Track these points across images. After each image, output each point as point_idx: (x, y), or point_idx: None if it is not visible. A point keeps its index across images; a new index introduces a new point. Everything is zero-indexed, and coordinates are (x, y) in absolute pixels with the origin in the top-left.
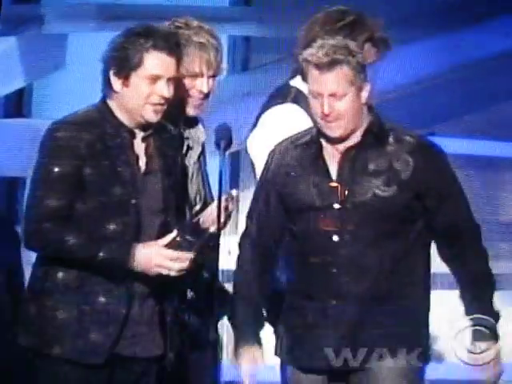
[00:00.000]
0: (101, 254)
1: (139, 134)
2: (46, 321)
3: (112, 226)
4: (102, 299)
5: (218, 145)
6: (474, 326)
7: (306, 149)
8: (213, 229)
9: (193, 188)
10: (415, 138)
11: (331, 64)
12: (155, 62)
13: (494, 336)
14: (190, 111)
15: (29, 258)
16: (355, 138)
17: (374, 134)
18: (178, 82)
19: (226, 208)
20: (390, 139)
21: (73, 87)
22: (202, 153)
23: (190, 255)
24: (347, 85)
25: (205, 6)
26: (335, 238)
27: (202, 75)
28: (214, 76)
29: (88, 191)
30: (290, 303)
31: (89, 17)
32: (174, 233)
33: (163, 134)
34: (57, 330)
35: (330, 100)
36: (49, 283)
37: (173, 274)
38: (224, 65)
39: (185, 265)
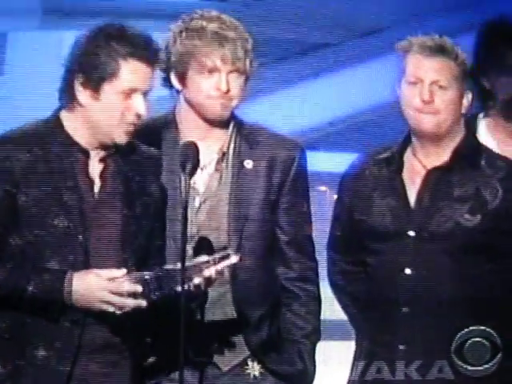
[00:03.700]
0: (30, 288)
1: (96, 155)
2: None
3: (53, 266)
4: (41, 353)
5: (182, 166)
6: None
7: (386, 166)
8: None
9: (198, 218)
10: (507, 163)
11: (438, 49)
12: (132, 72)
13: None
14: (214, 114)
15: None
16: (444, 156)
17: (465, 155)
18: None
19: (220, 272)
20: (482, 162)
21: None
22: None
23: (134, 291)
24: (451, 78)
25: (176, 0)
26: (407, 270)
27: (217, 70)
28: (235, 72)
29: (24, 222)
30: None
31: (33, 12)
32: (123, 271)
33: (128, 153)
34: None
35: (432, 88)
36: None
37: (126, 309)
38: (249, 61)
39: (140, 303)
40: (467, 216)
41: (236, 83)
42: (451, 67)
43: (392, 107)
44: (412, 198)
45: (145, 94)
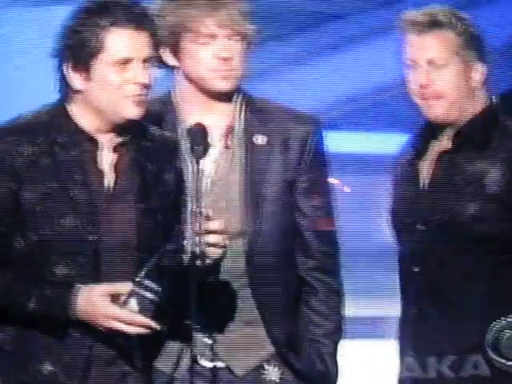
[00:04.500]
0: (31, 305)
1: (107, 143)
2: None
3: (60, 270)
4: (47, 368)
5: (192, 150)
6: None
7: (410, 152)
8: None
9: (207, 202)
10: None
11: (431, 24)
12: (120, 41)
13: None
14: (215, 85)
15: None
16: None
17: (470, 135)
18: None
19: (207, 231)
20: (494, 143)
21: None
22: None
23: (144, 321)
24: (449, 52)
25: None
26: (416, 268)
27: (214, 36)
28: (235, 37)
29: (28, 222)
30: None
31: None
32: (127, 286)
33: (142, 139)
34: None
35: (428, 69)
36: None
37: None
38: (248, 25)
39: (140, 330)
40: (467, 202)
41: (237, 49)
42: (449, 40)
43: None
44: (422, 185)
45: (144, 61)
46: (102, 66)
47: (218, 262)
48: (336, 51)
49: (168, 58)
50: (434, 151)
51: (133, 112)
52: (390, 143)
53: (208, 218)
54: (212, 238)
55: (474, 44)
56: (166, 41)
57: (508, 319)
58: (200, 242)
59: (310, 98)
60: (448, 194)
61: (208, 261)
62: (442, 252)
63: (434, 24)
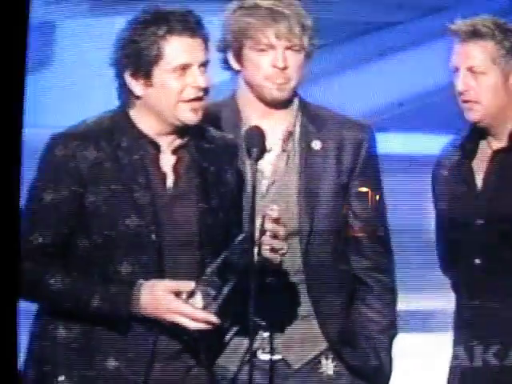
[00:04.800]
0: (95, 303)
1: (168, 147)
2: None
3: (125, 268)
4: (112, 363)
5: (248, 152)
6: None
7: (460, 152)
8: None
9: (265, 203)
10: None
11: (472, 34)
12: (177, 49)
13: None
14: (272, 94)
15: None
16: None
17: None
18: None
19: (274, 235)
20: None
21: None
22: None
23: (206, 316)
24: (488, 61)
25: None
26: (477, 260)
27: (272, 47)
28: (292, 49)
29: (92, 224)
30: None
31: None
32: (191, 284)
33: (202, 141)
34: None
35: (466, 75)
36: (46, 343)
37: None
38: (307, 38)
39: (202, 326)
40: None
41: (293, 60)
42: (489, 50)
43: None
44: (479, 184)
45: (201, 66)
46: (161, 72)
47: (278, 265)
48: (384, 57)
49: (232, 61)
50: (486, 151)
51: (189, 117)
52: (437, 144)
53: (277, 221)
54: (277, 243)
55: None
56: (231, 46)
57: None
58: (263, 245)
59: (360, 102)
60: (507, 190)
61: (269, 264)
62: (502, 245)
63: (474, 34)
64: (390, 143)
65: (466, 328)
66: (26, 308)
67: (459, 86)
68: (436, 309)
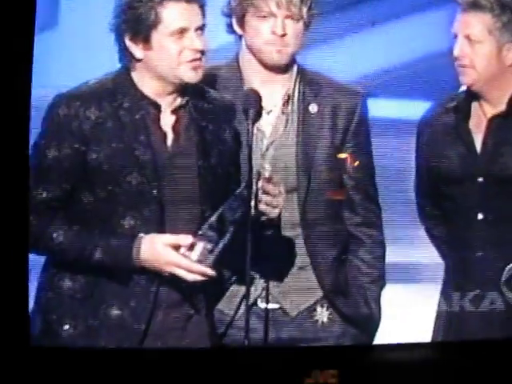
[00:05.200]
0: (97, 254)
1: (168, 107)
2: (51, 337)
3: (127, 222)
4: (115, 312)
5: (245, 113)
6: None
7: (454, 114)
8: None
9: (265, 160)
10: None
11: (473, 5)
12: (175, 13)
13: None
14: (270, 58)
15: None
16: (503, 104)
17: None
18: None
19: (265, 191)
20: None
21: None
22: (302, 116)
23: (202, 269)
24: (485, 32)
25: None
26: (480, 215)
27: (273, 15)
28: (292, 18)
29: (96, 180)
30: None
31: None
32: (189, 239)
33: (201, 102)
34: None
35: (463, 42)
36: (52, 293)
37: (194, 275)
38: (306, 8)
39: (198, 278)
40: None
41: (292, 29)
42: (486, 21)
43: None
44: (478, 144)
45: (197, 29)
46: (160, 36)
47: (276, 220)
48: (375, 27)
49: (235, 26)
50: (479, 114)
51: (190, 75)
52: (422, 110)
53: (269, 180)
54: (269, 199)
55: (510, 27)
56: (234, 11)
57: None
58: (259, 200)
59: (352, 67)
60: (506, 152)
61: (266, 217)
62: (502, 202)
63: (475, 5)
64: (379, 108)
65: (453, 276)
66: (35, 260)
67: (456, 51)
68: (421, 262)
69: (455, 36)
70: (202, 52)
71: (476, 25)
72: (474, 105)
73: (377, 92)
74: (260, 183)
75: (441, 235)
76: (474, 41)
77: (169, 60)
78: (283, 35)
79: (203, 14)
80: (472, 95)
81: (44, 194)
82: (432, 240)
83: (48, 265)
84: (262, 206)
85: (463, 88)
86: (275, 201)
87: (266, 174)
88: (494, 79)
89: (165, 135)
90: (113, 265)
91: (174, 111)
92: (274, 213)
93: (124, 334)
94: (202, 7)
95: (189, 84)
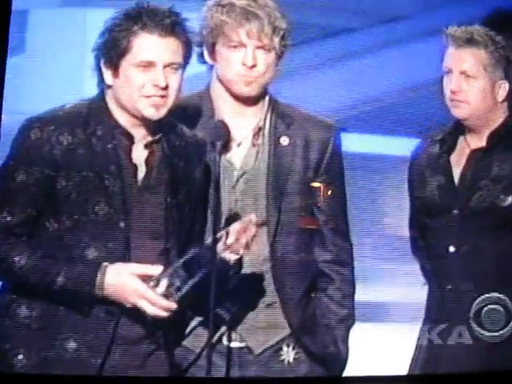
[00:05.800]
0: (59, 280)
1: (141, 140)
2: (4, 366)
3: (91, 253)
4: (71, 345)
5: (212, 145)
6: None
7: (439, 146)
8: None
9: (231, 198)
10: None
11: (467, 40)
12: (145, 46)
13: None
14: (240, 89)
15: None
16: (486, 139)
17: (503, 137)
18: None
19: (244, 231)
20: None
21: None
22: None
23: (166, 303)
24: (480, 68)
25: None
26: (452, 248)
27: (243, 45)
28: (263, 48)
29: (63, 207)
30: None
31: None
32: (157, 270)
33: (174, 138)
34: (16, 379)
35: (459, 78)
36: (8, 320)
37: (157, 310)
38: (279, 39)
39: (161, 312)
40: (501, 196)
41: (263, 59)
42: (481, 57)
43: (414, 91)
44: (456, 177)
45: (167, 66)
46: (127, 65)
47: (237, 263)
48: (346, 61)
49: (206, 55)
50: (463, 147)
51: (150, 112)
52: (399, 145)
53: (226, 236)
54: (228, 253)
55: (501, 64)
56: (206, 40)
57: (490, 295)
58: (220, 249)
59: (327, 100)
60: (484, 185)
61: (230, 260)
62: (475, 235)
63: (470, 41)
64: (351, 142)
65: (426, 309)
66: None
67: (453, 85)
68: (391, 300)
69: (449, 71)
70: (165, 90)
71: (471, 61)
72: (461, 138)
73: (350, 125)
74: (222, 240)
75: (429, 268)
76: (470, 77)
77: (130, 91)
78: (253, 66)
79: (185, 52)
80: (460, 128)
81: (8, 218)
82: (423, 274)
83: (6, 290)
84: (225, 253)
85: (439, 121)
86: (236, 248)
87: (223, 232)
88: (485, 115)
89: (136, 168)
90: (74, 292)
91: (147, 146)
92: (235, 259)
93: (80, 367)
94: (186, 44)
95: (156, 119)
